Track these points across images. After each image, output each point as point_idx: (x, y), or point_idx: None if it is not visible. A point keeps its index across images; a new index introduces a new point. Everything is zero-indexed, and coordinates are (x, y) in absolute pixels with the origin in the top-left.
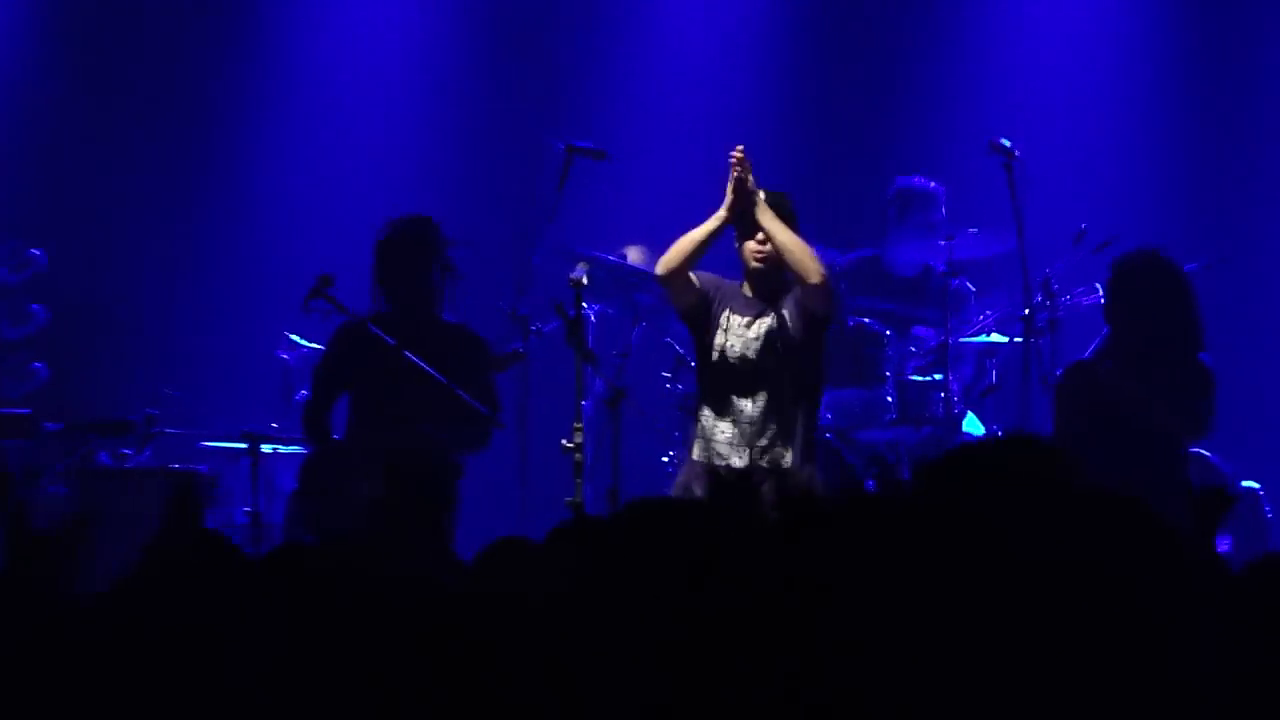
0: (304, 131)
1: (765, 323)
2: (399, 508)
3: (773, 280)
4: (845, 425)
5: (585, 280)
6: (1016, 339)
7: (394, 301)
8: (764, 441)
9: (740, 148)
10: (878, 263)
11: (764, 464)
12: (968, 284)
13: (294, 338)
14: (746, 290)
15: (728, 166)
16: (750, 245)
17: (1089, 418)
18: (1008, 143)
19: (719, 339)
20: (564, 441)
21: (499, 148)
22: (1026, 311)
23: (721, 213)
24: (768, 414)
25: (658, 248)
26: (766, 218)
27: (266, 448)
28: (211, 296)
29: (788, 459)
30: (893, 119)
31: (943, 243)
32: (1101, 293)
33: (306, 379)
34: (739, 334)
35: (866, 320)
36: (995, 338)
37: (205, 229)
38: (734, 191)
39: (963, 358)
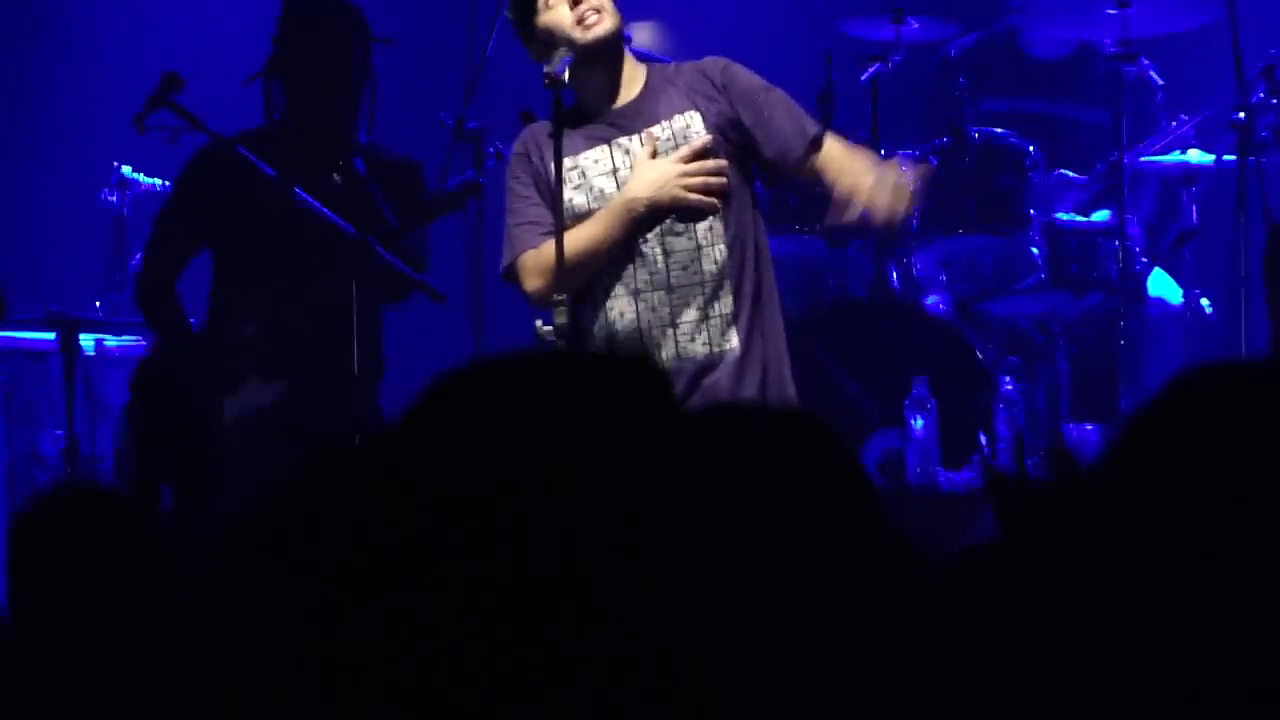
0: None
1: (643, 136)
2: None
3: (614, 55)
4: (970, 292)
5: (568, 76)
6: (1227, 157)
7: (295, 109)
8: (690, 315)
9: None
10: (1013, 41)
11: (697, 354)
12: (1152, 72)
13: (127, 171)
14: (588, 102)
15: None
16: (564, 9)
17: None
18: None
19: (567, 197)
20: (539, 324)
21: None
22: (1242, 115)
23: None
24: (687, 270)
25: (677, 25)
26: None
27: (87, 340)
28: None
29: (733, 344)
30: None
31: (1112, 10)
32: None
33: (147, 233)
34: (595, 172)
35: (999, 131)
36: (1195, 156)
37: None
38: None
39: (1146, 187)
